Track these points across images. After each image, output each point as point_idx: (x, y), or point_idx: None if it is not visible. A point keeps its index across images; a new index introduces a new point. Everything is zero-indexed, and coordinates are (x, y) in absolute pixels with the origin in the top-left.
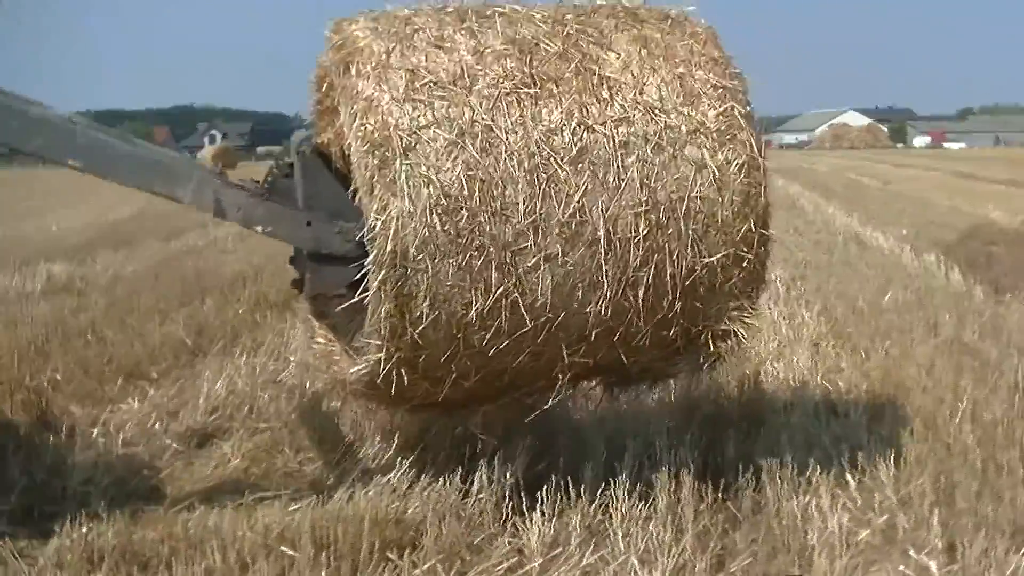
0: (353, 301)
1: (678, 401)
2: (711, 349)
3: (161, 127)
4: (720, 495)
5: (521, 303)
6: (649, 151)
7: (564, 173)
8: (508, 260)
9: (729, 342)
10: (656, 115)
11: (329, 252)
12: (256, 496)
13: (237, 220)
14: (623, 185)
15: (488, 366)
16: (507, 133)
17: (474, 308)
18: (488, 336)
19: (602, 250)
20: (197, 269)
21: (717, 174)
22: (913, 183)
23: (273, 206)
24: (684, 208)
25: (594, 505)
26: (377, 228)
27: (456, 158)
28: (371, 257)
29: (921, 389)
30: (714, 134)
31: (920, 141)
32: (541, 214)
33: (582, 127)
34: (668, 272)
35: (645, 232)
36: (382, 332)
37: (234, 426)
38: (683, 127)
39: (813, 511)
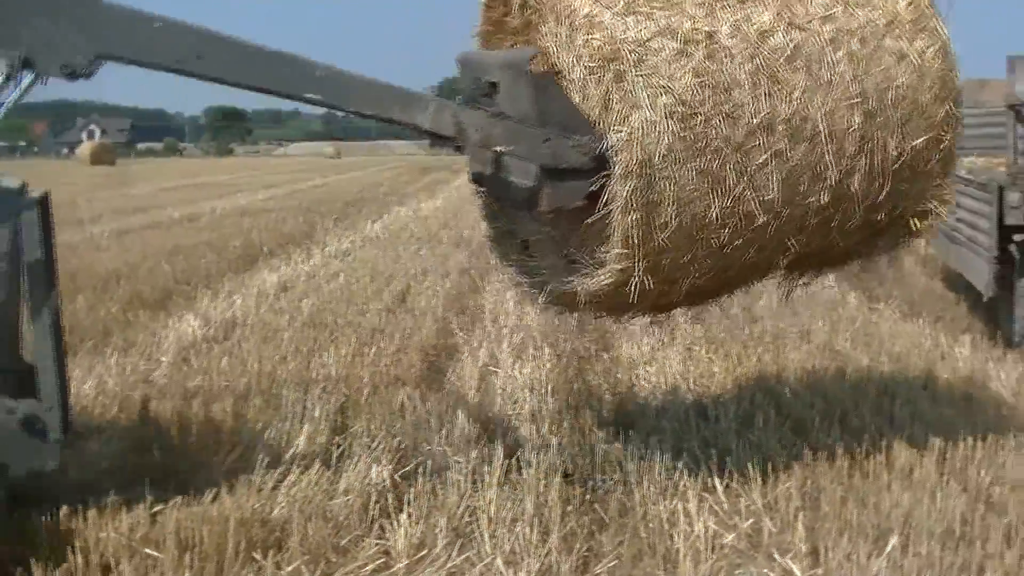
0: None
1: (550, 404)
2: (913, 228)
3: (39, 122)
4: (588, 497)
5: (754, 200)
6: (855, 45)
7: (783, 73)
8: (741, 160)
9: (929, 219)
10: (855, 10)
11: (567, 166)
12: (121, 497)
13: (477, 141)
14: (835, 80)
15: (720, 264)
16: (727, 38)
17: (714, 209)
18: (724, 235)
19: (822, 143)
20: (70, 266)
21: (917, 62)
22: None
23: (511, 125)
24: (890, 97)
25: (462, 507)
26: (621, 139)
27: (684, 66)
28: (617, 168)
29: (792, 395)
30: (908, 24)
31: None
32: (766, 114)
33: (792, 27)
34: (879, 159)
35: (859, 123)
36: (632, 240)
37: (102, 426)
38: (880, 20)
39: (680, 515)
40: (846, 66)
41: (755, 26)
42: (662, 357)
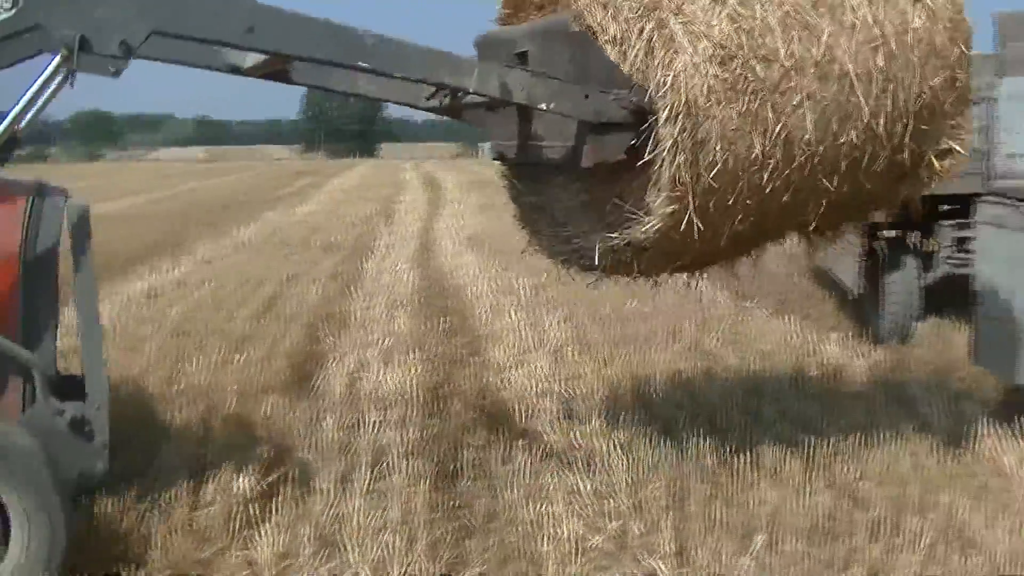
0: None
1: (418, 409)
2: (936, 168)
3: None
4: (456, 503)
5: (791, 139)
6: None
7: (810, 18)
8: (778, 101)
9: (949, 159)
10: None
11: (608, 120)
12: None
13: (522, 99)
14: (858, 23)
15: (761, 207)
16: None
17: (756, 148)
18: (766, 175)
19: (850, 83)
20: None
21: (931, 5)
22: None
23: (553, 82)
24: (908, 38)
25: (327, 515)
26: (668, 82)
27: (720, 13)
28: (664, 112)
29: (660, 395)
30: None
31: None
32: (798, 57)
33: None
34: (902, 99)
35: (882, 64)
36: (680, 180)
37: None
38: None
39: (547, 518)
40: (867, 10)
41: None
42: (531, 360)
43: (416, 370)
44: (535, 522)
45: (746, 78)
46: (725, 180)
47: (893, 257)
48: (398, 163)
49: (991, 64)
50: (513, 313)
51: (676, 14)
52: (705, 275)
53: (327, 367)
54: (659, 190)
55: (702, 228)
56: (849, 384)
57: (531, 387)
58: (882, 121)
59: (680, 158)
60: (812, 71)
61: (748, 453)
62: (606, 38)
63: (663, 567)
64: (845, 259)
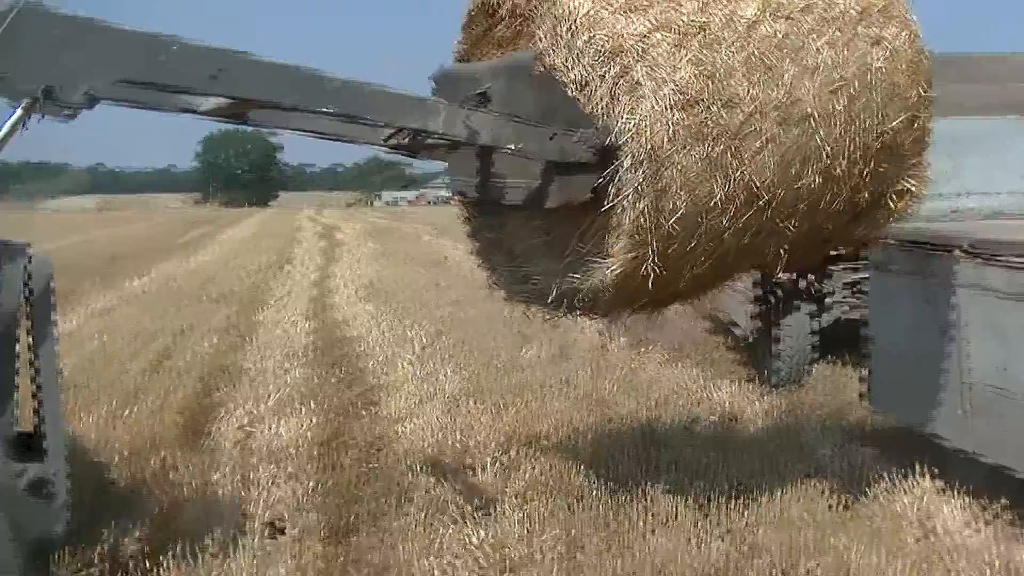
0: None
1: (311, 462)
2: (893, 208)
3: None
4: (350, 558)
5: (752, 184)
6: (834, 33)
7: (772, 60)
8: (739, 145)
9: (907, 199)
10: (831, 0)
11: (574, 161)
12: None
13: (487, 141)
14: (819, 66)
15: (719, 249)
16: (720, 30)
17: (717, 193)
18: (726, 220)
19: (811, 126)
20: None
21: (891, 46)
22: None
23: (518, 124)
24: (869, 80)
25: (215, 573)
26: (631, 129)
27: (683, 57)
28: (627, 158)
29: (555, 444)
30: (879, 12)
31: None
32: (760, 100)
33: (777, 17)
34: (862, 140)
35: (843, 106)
36: (642, 227)
37: None
38: (854, 9)
39: (442, 571)
40: (828, 52)
41: (743, 18)
42: (426, 410)
43: (310, 422)
44: (430, 575)
45: (708, 123)
46: (686, 225)
47: (787, 302)
48: (294, 212)
49: None
50: (408, 363)
51: (639, 59)
52: (600, 321)
53: (220, 420)
54: (620, 235)
55: (664, 273)
56: (743, 429)
57: (425, 438)
58: (842, 163)
59: (642, 204)
60: (774, 114)
61: (642, 501)
62: (569, 79)
63: None
64: (739, 304)
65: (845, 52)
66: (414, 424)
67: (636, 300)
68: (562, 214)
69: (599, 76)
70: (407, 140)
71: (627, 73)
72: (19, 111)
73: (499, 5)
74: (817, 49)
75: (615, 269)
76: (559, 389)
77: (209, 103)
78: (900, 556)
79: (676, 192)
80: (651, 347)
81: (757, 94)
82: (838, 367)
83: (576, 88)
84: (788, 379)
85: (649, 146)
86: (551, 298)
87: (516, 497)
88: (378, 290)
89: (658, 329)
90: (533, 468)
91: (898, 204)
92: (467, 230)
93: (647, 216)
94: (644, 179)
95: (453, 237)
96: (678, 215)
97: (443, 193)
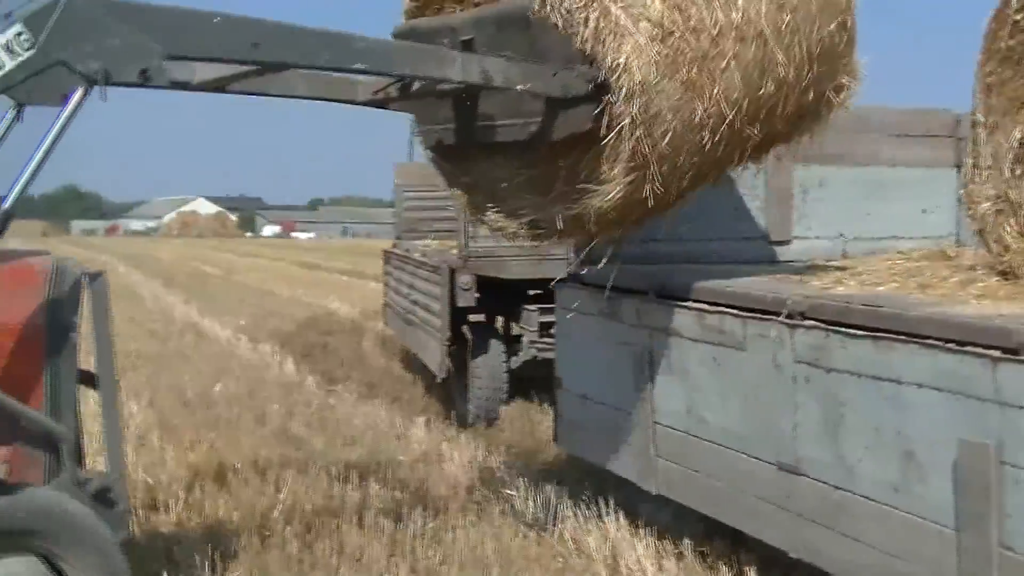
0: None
1: None
2: (834, 102)
3: None
4: None
5: (724, 100)
6: None
7: None
8: (710, 66)
9: (844, 93)
10: None
11: (575, 95)
12: None
13: (500, 83)
14: None
15: (700, 161)
16: None
17: (698, 112)
18: (706, 134)
19: (764, 41)
20: None
21: None
22: (258, 273)
23: (526, 65)
24: None
25: None
26: (621, 63)
27: None
28: (621, 92)
29: (244, 480)
30: None
31: (269, 230)
32: (722, 24)
33: None
34: (806, 47)
35: (788, 19)
36: (639, 151)
37: None
38: None
39: None
40: None
41: None
42: None
43: None
44: None
45: (683, 50)
46: (675, 145)
47: (480, 341)
48: None
49: None
50: (93, 398)
51: (615, 1)
52: (291, 357)
53: None
54: (618, 161)
55: (659, 192)
56: (436, 467)
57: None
58: (792, 70)
59: (638, 131)
60: (733, 35)
61: (333, 539)
62: (551, 24)
63: None
64: (431, 343)
65: None
66: (97, 461)
67: (629, 217)
68: (544, 151)
69: (581, 20)
70: (393, 93)
71: (608, 15)
72: (76, 95)
73: None
74: None
75: (616, 193)
76: (251, 425)
77: (198, 74)
78: None
79: (665, 116)
80: (343, 384)
81: (718, 18)
82: (532, 407)
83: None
84: (481, 418)
85: (639, 79)
86: (544, 227)
87: (202, 535)
88: None
89: (350, 367)
90: (222, 504)
91: (837, 98)
92: (445, 179)
93: (643, 141)
94: (638, 109)
95: (148, 270)
96: (668, 137)
97: (139, 225)
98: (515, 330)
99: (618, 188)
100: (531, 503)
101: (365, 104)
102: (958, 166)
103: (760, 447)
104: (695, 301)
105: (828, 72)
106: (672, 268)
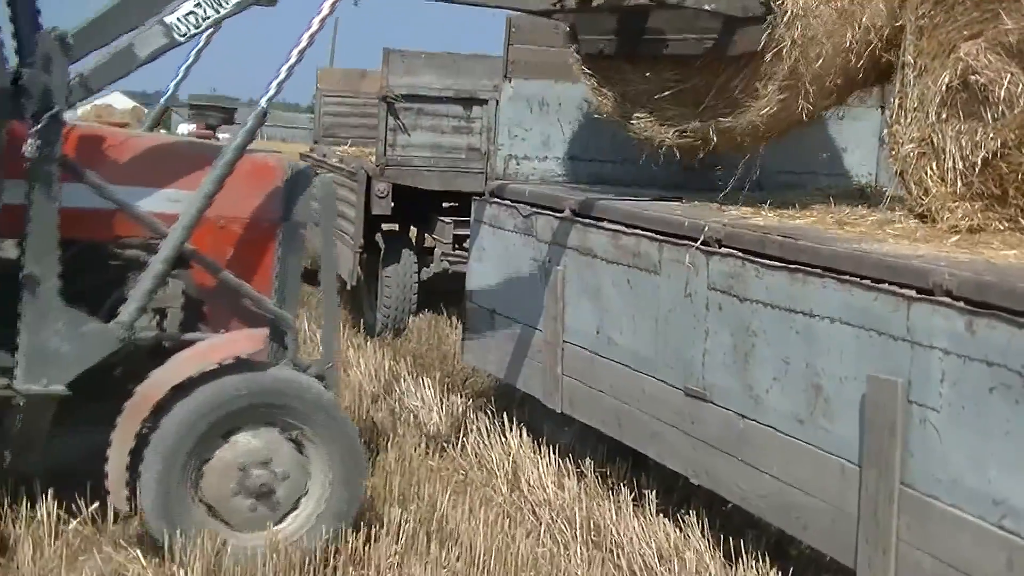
0: None
1: None
2: None
3: None
4: None
5: (871, 25)
6: None
7: None
8: None
9: None
10: None
11: (752, 15)
12: None
13: (692, 4)
14: None
15: (844, 83)
16: None
17: (847, 37)
18: (851, 58)
19: None
20: None
21: None
22: None
23: None
24: None
25: None
26: None
27: None
28: (785, 16)
29: None
30: None
31: (184, 128)
32: None
33: None
34: None
35: None
36: (796, 71)
37: None
38: None
39: None
40: None
41: None
42: None
43: None
44: None
45: None
46: (826, 67)
47: (391, 250)
48: None
49: (500, 66)
50: None
51: None
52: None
53: None
54: (773, 79)
55: (812, 107)
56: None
57: None
58: None
59: (796, 52)
60: None
61: None
62: None
63: None
64: (344, 249)
65: None
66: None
67: (772, 132)
68: (698, 66)
69: None
70: (573, 4)
71: None
72: None
73: None
74: None
75: (769, 109)
76: None
77: None
78: (489, 507)
79: (820, 40)
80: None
81: None
82: (441, 319)
83: None
84: (389, 328)
85: (802, 3)
86: (693, 136)
87: None
88: None
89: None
90: None
91: None
92: (594, 90)
93: (801, 63)
94: (798, 31)
95: None
96: (821, 60)
97: None
98: (428, 242)
99: (772, 104)
100: (435, 415)
101: (534, 13)
102: (882, 107)
103: (668, 372)
104: (612, 222)
105: None
106: (591, 189)
